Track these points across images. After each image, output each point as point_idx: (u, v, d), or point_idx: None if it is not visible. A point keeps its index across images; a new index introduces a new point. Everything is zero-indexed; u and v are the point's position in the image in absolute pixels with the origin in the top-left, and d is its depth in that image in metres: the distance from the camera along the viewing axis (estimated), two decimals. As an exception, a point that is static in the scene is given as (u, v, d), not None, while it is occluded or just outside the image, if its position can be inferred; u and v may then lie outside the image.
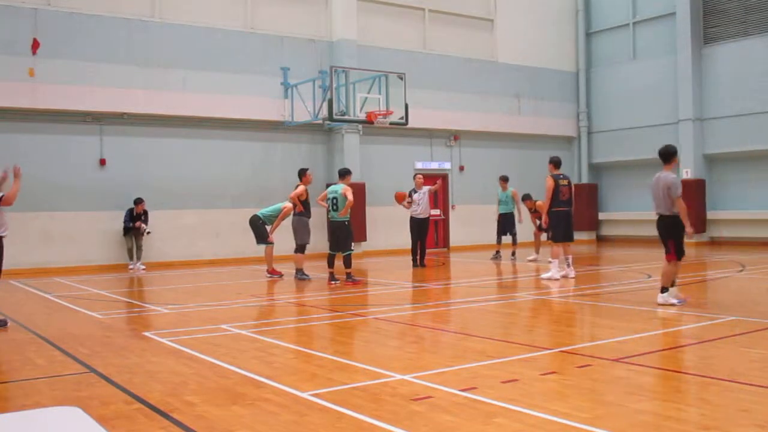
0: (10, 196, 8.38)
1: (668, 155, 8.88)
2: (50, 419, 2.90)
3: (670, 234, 8.77)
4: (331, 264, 12.38)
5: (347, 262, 12.20)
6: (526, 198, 16.27)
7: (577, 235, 19.58)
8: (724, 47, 20.67)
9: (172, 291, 12.09)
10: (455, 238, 21.38)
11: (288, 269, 13.73)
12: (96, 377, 5.65)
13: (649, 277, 12.19)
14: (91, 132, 16.20)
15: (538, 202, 15.21)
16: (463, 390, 4.94)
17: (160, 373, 5.75)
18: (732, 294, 10.29)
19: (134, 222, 15.76)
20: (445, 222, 21.46)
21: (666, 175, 8.77)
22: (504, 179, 16.67)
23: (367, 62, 18.32)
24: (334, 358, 6.22)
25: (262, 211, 13.60)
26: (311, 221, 13.15)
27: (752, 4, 20.06)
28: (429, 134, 20.90)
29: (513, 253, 16.40)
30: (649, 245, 20.07)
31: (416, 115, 18.26)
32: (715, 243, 20.52)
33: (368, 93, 16.70)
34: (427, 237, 15.60)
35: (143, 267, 15.77)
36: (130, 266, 15.86)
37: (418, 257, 15.15)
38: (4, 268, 8.38)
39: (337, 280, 12.15)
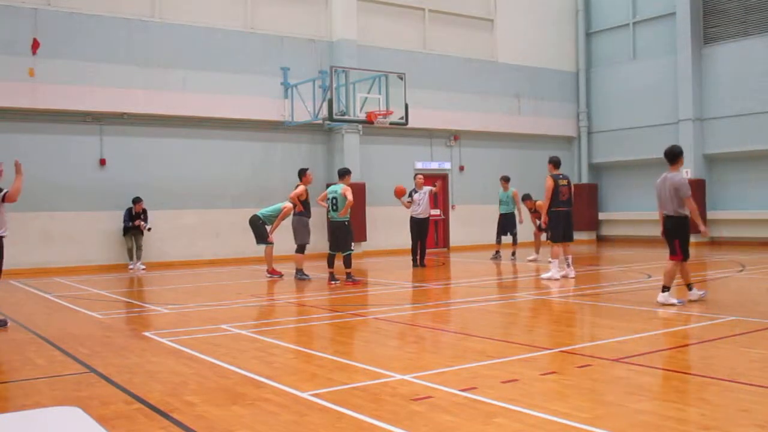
0: (13, 192, 8.26)
1: (674, 156, 8.88)
2: (50, 419, 2.90)
3: (677, 234, 8.79)
4: (331, 264, 12.39)
5: (347, 262, 12.20)
6: (526, 198, 16.29)
7: (577, 235, 19.59)
8: (724, 47, 20.67)
9: (172, 291, 12.09)
10: (455, 238, 21.38)
11: (288, 269, 13.73)
12: (96, 377, 5.65)
13: (649, 277, 12.19)
14: (91, 132, 16.21)
15: (538, 202, 15.22)
16: (463, 390, 4.94)
17: (160, 373, 5.75)
18: (732, 294, 10.29)
19: (133, 221, 15.77)
20: (445, 222, 21.45)
21: (673, 175, 8.77)
22: (505, 179, 16.67)
23: (367, 62, 18.33)
24: (334, 358, 6.22)
25: (262, 211, 13.59)
26: (311, 221, 13.15)
27: (752, 4, 20.06)
28: (429, 134, 20.90)
29: (513, 253, 16.40)
30: (649, 245, 20.08)
31: (416, 115, 18.27)
32: (715, 243, 20.52)
33: (368, 93, 16.70)
34: (427, 237, 15.60)
35: (143, 267, 15.77)
36: (130, 266, 15.87)
37: (418, 257, 15.15)
38: (4, 268, 8.33)
39: (337, 280, 12.15)
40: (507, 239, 16.64)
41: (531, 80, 22.88)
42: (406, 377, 5.37)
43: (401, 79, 16.85)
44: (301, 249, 12.87)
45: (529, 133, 22.83)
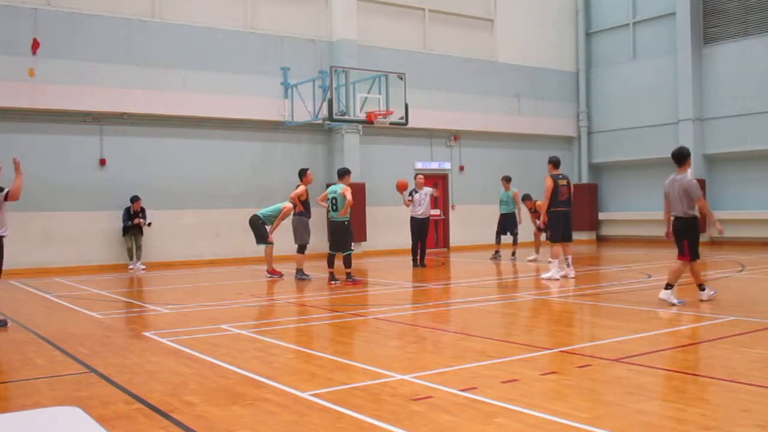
0: (14, 190, 8.24)
1: (682, 157, 8.89)
2: (50, 419, 2.89)
3: (686, 235, 8.83)
4: (331, 264, 12.39)
5: (347, 262, 12.20)
6: (526, 198, 16.30)
7: (577, 235, 19.59)
8: (724, 47, 20.67)
9: (172, 291, 12.09)
10: (455, 238, 21.38)
11: (288, 269, 13.73)
12: (96, 377, 5.65)
13: (649, 277, 12.19)
14: (91, 132, 16.21)
15: (538, 202, 15.22)
16: (463, 390, 4.94)
17: (160, 373, 5.75)
18: (732, 294, 10.28)
19: (132, 220, 15.77)
20: (445, 222, 21.45)
21: (682, 177, 8.79)
22: (507, 179, 16.67)
23: (367, 62, 18.33)
24: (334, 358, 6.22)
25: (261, 211, 13.59)
26: (311, 221, 13.15)
27: (752, 4, 20.06)
28: (429, 134, 20.90)
29: (513, 253, 16.40)
30: (649, 245, 20.08)
31: (416, 115, 18.27)
32: (715, 243, 20.51)
33: (368, 93, 16.70)
34: (427, 237, 15.60)
35: (143, 267, 15.77)
36: (130, 266, 15.86)
37: (418, 257, 15.15)
38: (4, 268, 8.33)
39: (337, 280, 12.15)
40: (507, 239, 16.64)
41: (531, 80, 22.87)
42: (406, 377, 5.37)
43: (401, 79, 16.85)
44: (301, 249, 12.88)
45: (529, 133, 22.82)
